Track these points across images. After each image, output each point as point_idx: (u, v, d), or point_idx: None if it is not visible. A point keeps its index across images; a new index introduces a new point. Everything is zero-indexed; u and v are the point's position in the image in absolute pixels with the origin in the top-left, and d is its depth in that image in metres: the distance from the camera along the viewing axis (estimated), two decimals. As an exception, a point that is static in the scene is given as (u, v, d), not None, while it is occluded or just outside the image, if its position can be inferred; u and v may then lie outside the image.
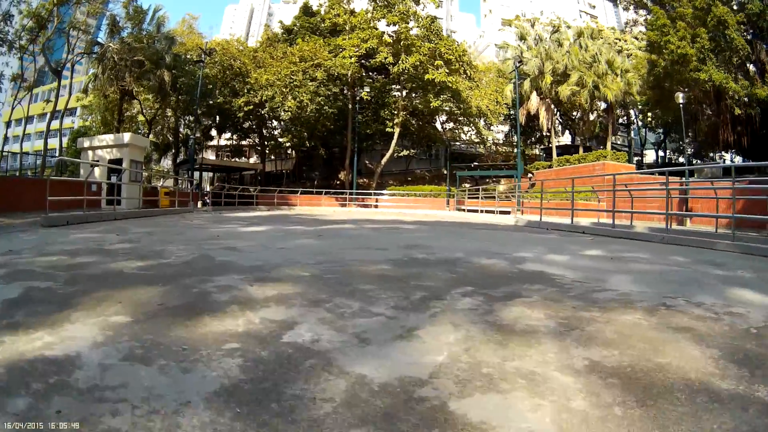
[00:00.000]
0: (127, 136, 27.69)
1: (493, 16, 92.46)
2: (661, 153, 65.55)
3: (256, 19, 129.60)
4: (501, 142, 57.85)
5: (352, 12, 42.40)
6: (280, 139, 45.01)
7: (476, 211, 34.97)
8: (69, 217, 13.10)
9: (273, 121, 46.72)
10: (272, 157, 59.33)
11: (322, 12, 45.99)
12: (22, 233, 9.76)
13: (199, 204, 34.99)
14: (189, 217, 19.51)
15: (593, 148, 52.05)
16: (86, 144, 28.33)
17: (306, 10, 51.29)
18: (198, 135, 50.73)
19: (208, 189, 46.61)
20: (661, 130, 60.00)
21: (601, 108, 49.95)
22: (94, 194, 21.50)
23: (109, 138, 28.52)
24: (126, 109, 45.85)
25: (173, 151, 50.78)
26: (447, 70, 39.47)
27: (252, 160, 61.52)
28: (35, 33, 38.45)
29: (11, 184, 20.63)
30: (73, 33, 41.43)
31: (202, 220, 16.59)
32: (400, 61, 39.37)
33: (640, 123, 61.15)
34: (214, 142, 58.29)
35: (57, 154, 55.72)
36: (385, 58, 39.48)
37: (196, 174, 43.78)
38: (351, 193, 41.67)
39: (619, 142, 61.60)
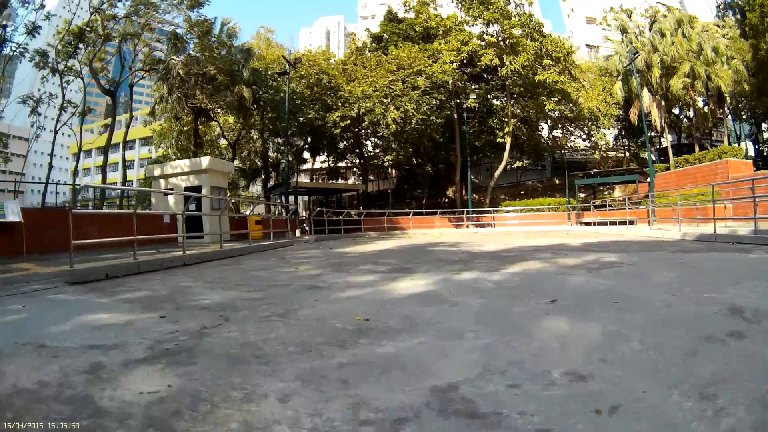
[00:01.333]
0: (205, 160, 24.84)
1: (575, 15, 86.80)
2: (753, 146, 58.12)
3: (333, 40, 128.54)
4: (611, 146, 52.32)
5: (440, 17, 38.54)
6: (385, 158, 40.62)
7: (603, 223, 30.22)
8: (109, 268, 8.75)
9: (372, 137, 42.74)
10: (372, 177, 54.58)
11: (409, 17, 42.21)
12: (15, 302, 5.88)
13: (298, 232, 30.80)
14: (290, 255, 13.87)
15: (706, 145, 46.43)
16: (157, 172, 25.68)
17: (391, 17, 46.92)
18: (290, 157, 47.56)
19: (304, 214, 43.15)
20: (752, 121, 53.29)
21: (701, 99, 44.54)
22: (165, 229, 18.61)
23: (184, 164, 25.59)
24: (204, 132, 43.03)
25: (263, 176, 47.06)
26: (557, 69, 35.00)
27: (350, 181, 57.19)
28: (73, 48, 33.55)
29: (45, 218, 15.09)
30: (128, 48, 37.31)
31: (312, 263, 10.83)
32: (507, 63, 35.09)
33: (730, 114, 54.06)
34: (308, 165, 54.31)
35: (128, 185, 53.11)
36: (491, 61, 35.23)
37: (293, 199, 40.34)
38: (467, 212, 37.14)
39: (722, 138, 54.93)
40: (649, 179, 36.96)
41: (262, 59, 40.18)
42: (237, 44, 37.57)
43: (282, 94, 38.05)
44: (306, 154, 48.70)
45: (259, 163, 46.48)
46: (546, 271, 8.20)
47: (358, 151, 45.00)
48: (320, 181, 54.55)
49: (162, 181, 24.99)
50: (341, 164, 50.82)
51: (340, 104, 36.37)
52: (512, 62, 34.49)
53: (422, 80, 34.09)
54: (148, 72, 37.89)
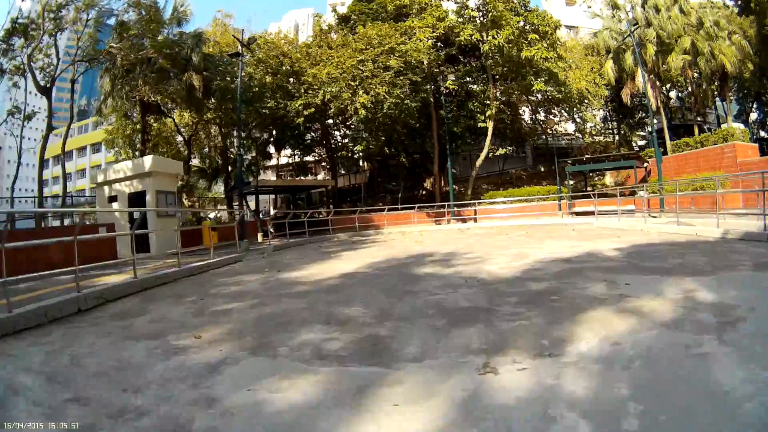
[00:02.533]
0: (148, 161, 21.81)
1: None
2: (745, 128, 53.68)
3: (303, 34, 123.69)
4: (600, 129, 47.74)
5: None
6: (355, 148, 36.20)
7: (592, 213, 26.58)
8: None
9: (341, 128, 38.16)
10: (342, 171, 50.10)
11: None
12: None
13: (260, 236, 27.43)
14: (216, 290, 9.39)
15: (704, 128, 42.72)
16: (100, 178, 22.94)
17: None
18: (252, 152, 42.88)
19: (272, 213, 38.68)
20: (751, 102, 50.17)
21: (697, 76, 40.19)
22: (102, 244, 15.90)
23: (126, 166, 22.52)
24: (158, 129, 38.01)
25: (224, 175, 42.09)
26: (544, 45, 30.94)
27: (320, 177, 51.55)
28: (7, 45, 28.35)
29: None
30: (65, 36, 32.56)
31: (230, 323, 6.28)
32: (489, 39, 30.91)
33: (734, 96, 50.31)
34: (277, 161, 49.68)
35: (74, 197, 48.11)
36: (471, 36, 31.02)
37: (254, 199, 36.06)
38: (448, 206, 32.89)
39: (710, 120, 50.76)
40: (645, 164, 33.32)
41: (217, 46, 35.16)
42: (190, 30, 32.64)
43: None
44: (271, 149, 44.03)
45: (220, 161, 41.72)
46: (654, 347, 4.16)
47: (325, 143, 40.16)
48: (289, 178, 49.56)
49: (106, 189, 22.38)
50: (309, 159, 45.70)
51: (302, 91, 31.95)
52: (495, 37, 30.28)
53: (395, 60, 29.66)
54: (89, 63, 32.85)
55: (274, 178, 50.12)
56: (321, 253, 16.93)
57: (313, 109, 31.16)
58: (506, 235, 18.85)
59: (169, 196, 22.49)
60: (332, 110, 30.62)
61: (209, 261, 14.01)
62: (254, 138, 39.81)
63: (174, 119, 36.45)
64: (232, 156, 42.62)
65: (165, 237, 19.59)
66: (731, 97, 47.32)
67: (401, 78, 29.70)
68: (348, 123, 35.99)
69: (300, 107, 31.25)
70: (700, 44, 35.22)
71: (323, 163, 46.04)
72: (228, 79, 32.07)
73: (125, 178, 21.90)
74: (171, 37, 31.12)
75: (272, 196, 48.14)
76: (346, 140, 37.93)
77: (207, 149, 42.94)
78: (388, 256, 13.93)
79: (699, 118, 46.07)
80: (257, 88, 32.63)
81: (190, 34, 32.15)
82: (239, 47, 28.06)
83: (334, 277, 10.14)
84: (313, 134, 39.25)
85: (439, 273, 9.58)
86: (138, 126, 34.77)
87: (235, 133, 38.45)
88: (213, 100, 32.44)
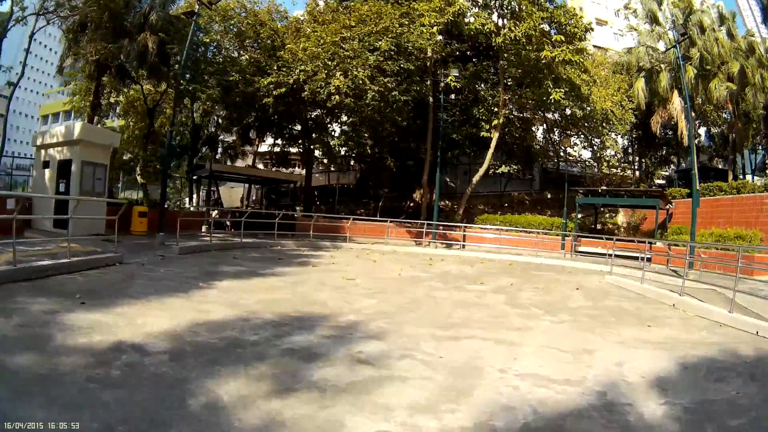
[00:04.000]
0: (77, 127, 19.24)
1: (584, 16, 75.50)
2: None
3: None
4: (621, 159, 40.50)
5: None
6: (332, 142, 30.35)
7: (599, 254, 22.46)
8: None
9: (327, 119, 32.50)
10: (332, 168, 43.26)
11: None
12: None
13: (204, 228, 24.51)
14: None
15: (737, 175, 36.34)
16: (38, 141, 20.91)
17: None
18: (214, 129, 37.45)
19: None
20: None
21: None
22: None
23: (60, 131, 20.11)
24: (130, 96, 33.20)
25: (189, 154, 36.45)
26: (570, 49, 25.20)
27: (300, 171, 45.60)
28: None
29: None
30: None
31: None
32: (505, 30, 25.24)
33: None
34: (255, 148, 42.90)
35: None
36: (483, 25, 25.28)
37: (209, 185, 30.71)
38: (430, 225, 26.97)
39: (720, 166, 43.78)
40: (669, 206, 27.64)
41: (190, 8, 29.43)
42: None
43: (204, 49, 28.47)
44: (252, 133, 38.29)
45: (189, 138, 36.23)
46: None
47: (303, 131, 33.81)
48: (270, 168, 43.58)
49: (42, 153, 20.52)
50: (294, 150, 39.67)
51: (276, 67, 26.35)
52: (512, 29, 24.56)
53: (386, 41, 23.97)
54: (42, 15, 27.77)
55: (262, 167, 44.40)
56: (215, 271, 12.44)
57: (283, 89, 25.47)
58: (482, 285, 12.82)
59: (99, 169, 19.85)
60: (306, 93, 24.81)
61: (70, 261, 10.46)
62: (231, 119, 34.08)
63: (142, 86, 30.92)
64: (206, 133, 37.43)
65: (92, 215, 17.59)
66: (760, 146, 41.37)
67: (390, 63, 23.95)
68: (336, 113, 30.22)
69: (270, 86, 25.63)
70: (750, 72, 29.30)
71: (299, 155, 39.57)
72: (193, 47, 26.76)
73: (57, 144, 19.73)
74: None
75: (253, 187, 42.24)
76: (324, 133, 31.92)
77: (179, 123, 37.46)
78: (272, 304, 8.57)
79: (721, 165, 40.18)
80: (219, 57, 27.36)
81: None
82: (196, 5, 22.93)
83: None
84: (286, 121, 33.31)
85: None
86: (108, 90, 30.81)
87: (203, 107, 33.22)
88: (174, 67, 27.12)
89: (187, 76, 27.14)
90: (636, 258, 19.78)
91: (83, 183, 18.73)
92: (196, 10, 23.02)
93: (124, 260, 12.42)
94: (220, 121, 36.77)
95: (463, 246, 26.53)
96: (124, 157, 35.10)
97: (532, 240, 25.22)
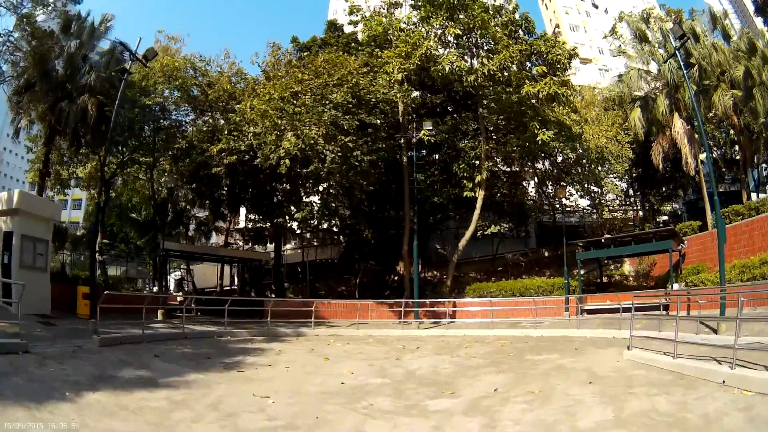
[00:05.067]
0: (15, 196, 17.83)
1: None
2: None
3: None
4: (622, 200, 36.87)
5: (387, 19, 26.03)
6: (295, 215, 27.04)
7: (610, 311, 19.01)
8: None
9: (290, 186, 28.79)
10: (315, 242, 38.74)
11: (356, 29, 29.41)
12: None
13: (160, 314, 22.31)
14: None
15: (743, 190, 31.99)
16: None
17: (334, 28, 33.42)
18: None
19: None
20: None
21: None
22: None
23: (2, 197, 18.41)
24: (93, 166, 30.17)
25: (153, 231, 33.03)
26: (555, 79, 22.06)
27: (289, 247, 41.22)
28: None
29: None
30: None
31: None
32: (477, 66, 22.24)
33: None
34: (242, 224, 39.88)
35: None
36: (452, 64, 22.20)
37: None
38: (408, 303, 23.25)
39: (721, 190, 39.04)
40: (681, 246, 24.10)
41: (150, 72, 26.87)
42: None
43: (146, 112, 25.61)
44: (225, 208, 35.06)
45: (149, 211, 33.15)
46: None
47: (266, 204, 29.93)
48: (240, 243, 40.06)
49: None
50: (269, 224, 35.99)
51: (227, 131, 23.39)
52: (485, 62, 21.53)
53: (341, 93, 20.89)
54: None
55: (241, 243, 40.86)
56: (110, 375, 10.11)
57: (234, 158, 22.41)
58: (451, 396, 8.76)
59: (40, 244, 18.51)
60: (260, 159, 21.63)
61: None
62: (200, 192, 31.00)
63: (99, 156, 28.01)
64: (178, 208, 34.54)
65: (33, 293, 15.78)
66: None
67: (348, 118, 20.75)
68: (301, 183, 27.14)
69: (221, 153, 22.63)
70: (756, 72, 25.81)
71: (297, 230, 36.04)
72: (137, 109, 24.36)
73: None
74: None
75: (233, 265, 38.58)
76: (296, 203, 28.49)
77: (141, 197, 34.62)
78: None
79: (727, 187, 36.56)
80: (166, 124, 24.62)
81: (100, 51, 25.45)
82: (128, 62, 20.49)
83: None
84: (258, 194, 30.07)
85: None
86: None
87: (164, 178, 30.29)
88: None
89: (130, 143, 24.55)
90: (652, 308, 16.21)
91: (23, 257, 17.46)
92: (127, 67, 20.15)
93: (31, 348, 10.95)
94: (190, 195, 33.56)
95: (453, 321, 22.68)
96: (78, 233, 32.28)
97: (531, 307, 21.28)
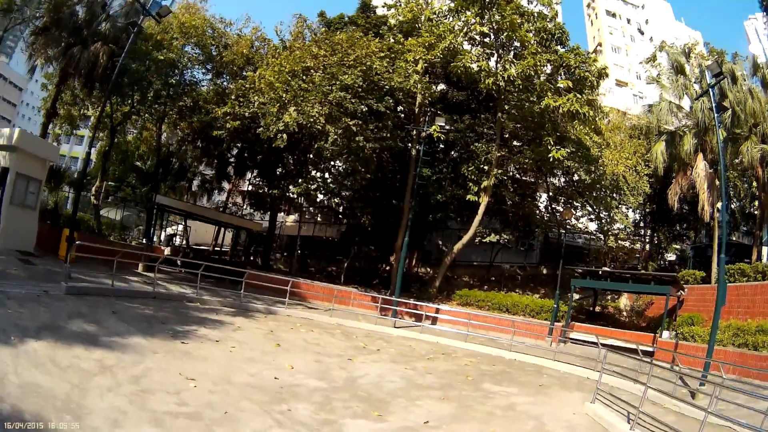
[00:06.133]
0: (15, 134, 17.64)
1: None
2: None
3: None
4: (631, 231, 34.93)
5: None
6: (293, 189, 26.12)
7: (595, 344, 16.75)
8: None
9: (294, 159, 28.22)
10: (318, 218, 38.64)
11: (388, 12, 28.29)
12: None
13: (141, 267, 21.86)
14: None
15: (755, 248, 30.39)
16: None
17: (365, 7, 32.18)
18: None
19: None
20: None
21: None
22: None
23: (4, 134, 18.15)
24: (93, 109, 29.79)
25: (154, 181, 32.43)
26: (580, 97, 20.91)
27: (291, 218, 40.75)
28: None
29: None
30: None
31: None
32: (499, 69, 21.23)
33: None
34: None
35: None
36: (474, 61, 21.26)
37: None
38: (393, 298, 22.06)
39: (734, 239, 37.38)
40: (680, 293, 23.02)
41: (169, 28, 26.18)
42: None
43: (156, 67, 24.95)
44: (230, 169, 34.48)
45: (155, 160, 32.61)
46: None
47: (266, 170, 29.96)
48: (235, 209, 39.63)
49: None
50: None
51: (234, 97, 22.71)
52: (507, 67, 20.51)
53: (352, 75, 20.05)
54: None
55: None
56: (58, 326, 9.90)
57: (238, 123, 21.73)
58: (376, 421, 8.09)
59: (33, 183, 18.49)
60: (261, 130, 20.90)
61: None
62: (207, 150, 30.46)
63: (109, 101, 27.56)
64: (184, 164, 34.04)
65: (20, 230, 17.33)
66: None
67: (354, 101, 19.92)
68: (316, 159, 26.41)
69: (226, 116, 21.96)
70: None
71: (301, 203, 35.33)
72: (149, 63, 23.82)
73: (-1, 147, 18.24)
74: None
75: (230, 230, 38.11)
76: (285, 179, 27.85)
77: (148, 145, 34.24)
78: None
79: (740, 236, 35.27)
80: (173, 81, 23.96)
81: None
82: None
83: None
84: (250, 156, 29.69)
85: None
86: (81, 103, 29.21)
87: (164, 132, 29.82)
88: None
89: (136, 95, 23.92)
90: (635, 351, 15.29)
91: (15, 194, 17.48)
92: (139, 21, 19.67)
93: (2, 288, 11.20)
94: (198, 152, 32.93)
95: (433, 321, 21.96)
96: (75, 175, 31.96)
97: (511, 328, 20.22)
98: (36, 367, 7.17)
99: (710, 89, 17.54)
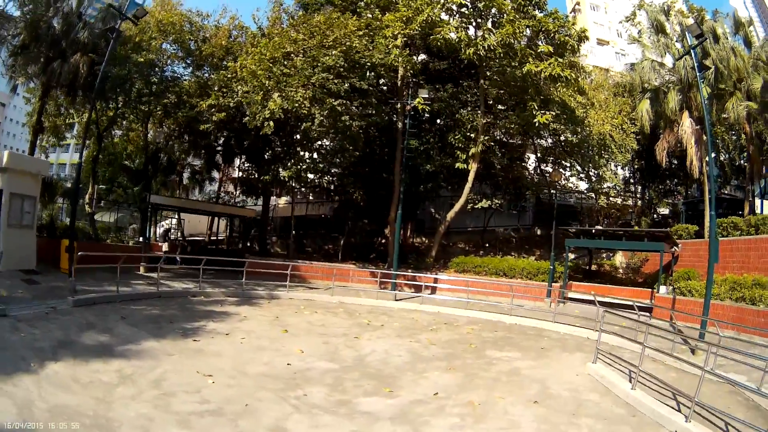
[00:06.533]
0: (5, 157, 17.32)
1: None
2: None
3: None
4: (621, 189, 35.61)
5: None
6: (281, 172, 26.74)
7: (592, 302, 16.91)
8: None
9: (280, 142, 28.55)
10: (310, 197, 38.75)
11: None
12: None
13: (142, 269, 22.07)
14: None
15: (754, 207, 30.92)
16: None
17: None
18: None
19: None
20: None
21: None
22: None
23: None
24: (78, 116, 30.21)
25: (144, 180, 32.51)
26: (561, 61, 21.03)
27: (284, 200, 41.02)
28: None
29: None
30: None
31: None
32: (478, 39, 21.24)
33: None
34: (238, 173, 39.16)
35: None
36: (453, 33, 21.36)
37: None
38: (392, 270, 22.61)
39: (726, 192, 38.15)
40: (674, 248, 23.32)
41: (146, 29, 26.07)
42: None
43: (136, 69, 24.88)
44: (218, 158, 34.59)
45: (142, 159, 32.58)
46: None
47: (255, 156, 30.26)
48: (228, 197, 39.79)
49: None
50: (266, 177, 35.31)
51: (217, 88, 22.74)
52: (486, 36, 20.59)
53: (334, 55, 20.13)
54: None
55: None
56: (71, 341, 10.08)
57: (224, 114, 21.83)
58: (388, 395, 8.50)
59: (27, 201, 18.30)
60: (248, 118, 21.01)
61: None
62: (195, 143, 30.56)
63: (94, 107, 27.53)
64: (173, 158, 34.06)
65: (19, 250, 17.25)
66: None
67: (337, 82, 20.02)
68: (304, 141, 26.50)
69: (211, 109, 22.03)
70: None
71: (292, 184, 35.42)
72: (129, 66, 23.82)
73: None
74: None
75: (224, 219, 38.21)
76: (274, 162, 28.18)
77: (135, 146, 34.18)
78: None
79: (732, 189, 35.66)
80: (155, 80, 24.01)
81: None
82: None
83: None
84: (236, 143, 29.90)
85: None
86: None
87: (150, 130, 29.78)
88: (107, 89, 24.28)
89: (120, 99, 23.90)
90: (632, 308, 15.66)
91: (11, 215, 17.31)
92: (116, 26, 19.72)
93: (9, 311, 11.18)
94: (185, 146, 32.91)
95: (433, 291, 22.41)
96: (68, 184, 31.93)
97: (513, 285, 20.60)
98: (60, 389, 7.32)
99: (691, 50, 17.56)
